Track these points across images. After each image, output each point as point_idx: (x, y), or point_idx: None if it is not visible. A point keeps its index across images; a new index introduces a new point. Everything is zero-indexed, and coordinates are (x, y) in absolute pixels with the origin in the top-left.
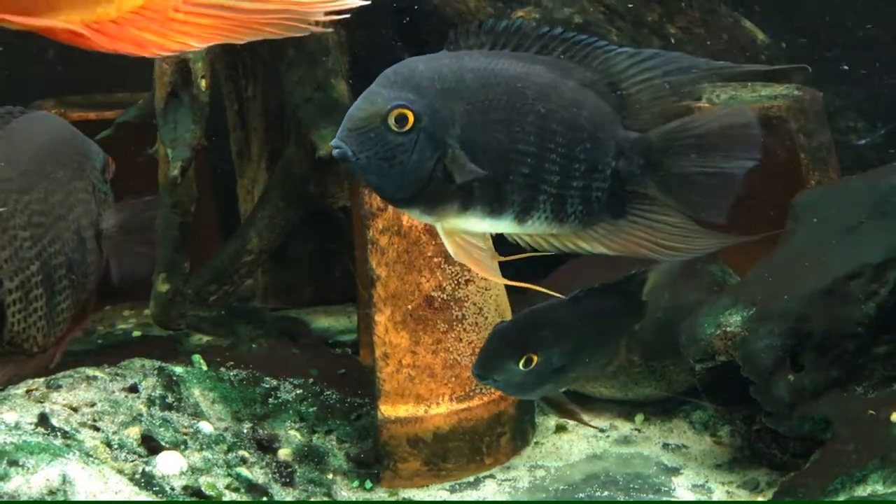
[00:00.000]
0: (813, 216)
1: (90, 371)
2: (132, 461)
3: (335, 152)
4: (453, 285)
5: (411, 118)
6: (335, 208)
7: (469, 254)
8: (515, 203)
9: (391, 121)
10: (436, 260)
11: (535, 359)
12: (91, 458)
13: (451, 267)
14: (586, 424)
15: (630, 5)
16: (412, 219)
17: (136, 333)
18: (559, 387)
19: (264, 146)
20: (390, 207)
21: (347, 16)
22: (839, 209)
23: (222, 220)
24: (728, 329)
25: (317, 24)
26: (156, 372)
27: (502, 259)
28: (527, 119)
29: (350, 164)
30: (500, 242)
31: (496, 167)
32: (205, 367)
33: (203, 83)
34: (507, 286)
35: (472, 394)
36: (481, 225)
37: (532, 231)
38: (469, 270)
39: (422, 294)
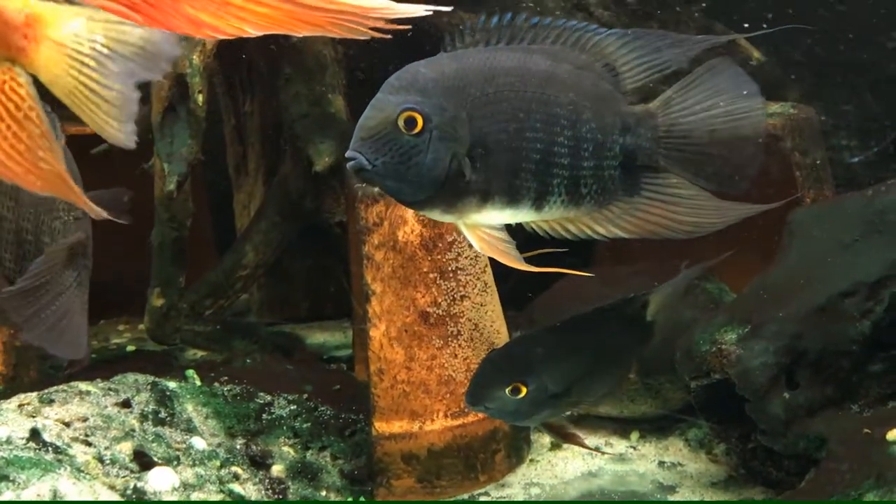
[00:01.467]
0: (808, 233)
1: (83, 386)
2: (124, 477)
3: (350, 164)
4: (449, 301)
5: (420, 120)
6: (331, 223)
7: (495, 247)
8: (531, 190)
9: (401, 124)
10: (431, 276)
11: (524, 388)
12: (82, 474)
13: (446, 283)
14: (588, 448)
15: (626, 21)
16: (407, 234)
17: (131, 348)
18: (558, 412)
19: (261, 161)
20: (386, 223)
21: (409, 27)
22: (834, 227)
23: (218, 235)
24: (723, 346)
25: (377, 30)
26: (149, 387)
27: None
28: (531, 107)
29: (367, 172)
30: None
31: (508, 157)
32: (198, 383)
33: (200, 98)
34: (502, 302)
35: (466, 410)
36: (501, 216)
37: (550, 216)
38: (465, 286)
39: (417, 310)
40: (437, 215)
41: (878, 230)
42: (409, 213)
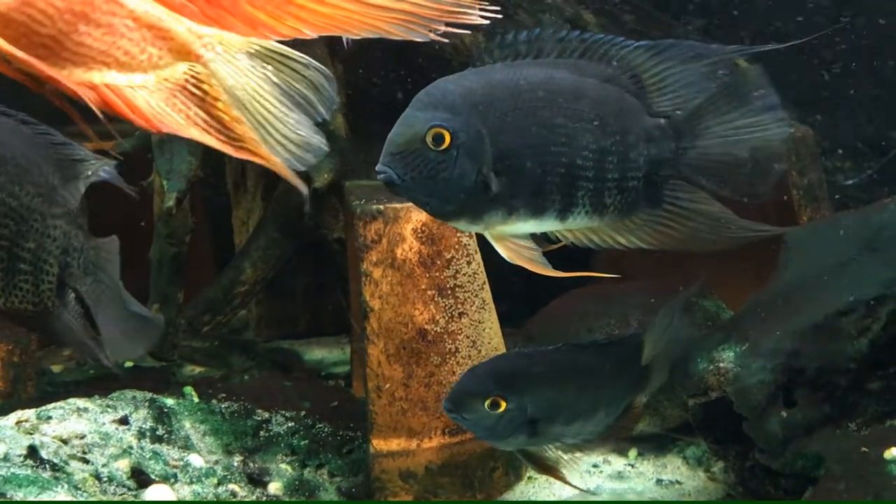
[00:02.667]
0: (805, 252)
1: (81, 402)
2: (121, 494)
3: (381, 177)
4: (447, 318)
5: (448, 136)
6: (330, 240)
7: (521, 255)
8: (556, 202)
9: (429, 141)
10: (429, 293)
11: (503, 403)
12: (80, 491)
13: (444, 300)
14: (567, 483)
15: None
16: (406, 251)
17: (129, 364)
18: (538, 443)
19: (260, 178)
20: (384, 240)
21: (468, 31)
22: (831, 245)
23: (217, 252)
24: (721, 365)
25: (437, 32)
26: (147, 404)
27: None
28: (556, 121)
29: (397, 186)
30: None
31: (533, 172)
32: (196, 399)
33: None
34: (500, 319)
35: (465, 428)
36: (526, 227)
37: (574, 226)
38: (463, 303)
39: (415, 327)
40: (463, 226)
41: (874, 248)
42: (408, 231)
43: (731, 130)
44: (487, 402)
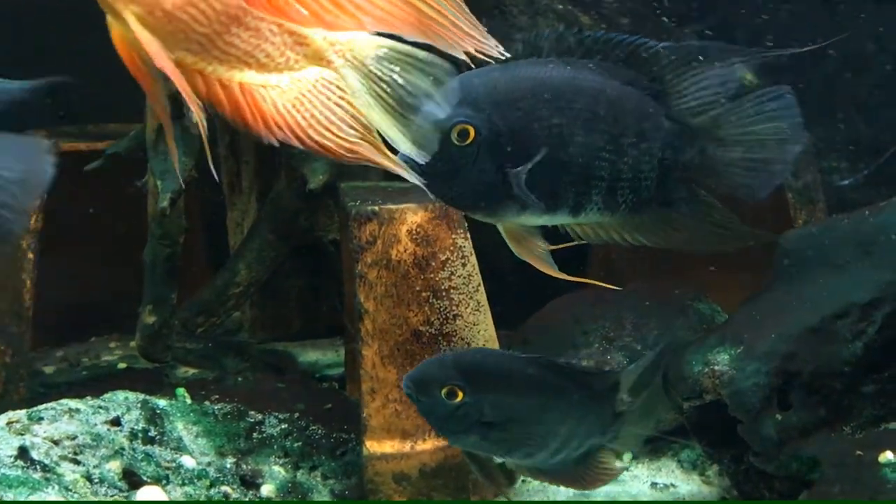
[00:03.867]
0: (800, 255)
1: (73, 403)
2: (112, 496)
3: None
4: (441, 320)
5: (472, 133)
6: (325, 241)
7: (530, 252)
8: (570, 199)
9: (454, 136)
10: (424, 294)
11: (460, 394)
12: (70, 493)
13: (439, 302)
14: (506, 498)
15: None
16: (401, 253)
17: (122, 365)
18: (488, 450)
19: (255, 179)
20: (379, 241)
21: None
22: (826, 248)
23: (211, 253)
24: (716, 367)
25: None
26: (139, 405)
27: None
28: (577, 122)
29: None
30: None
31: (550, 169)
32: (189, 401)
33: (194, 115)
34: (495, 321)
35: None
36: (539, 221)
37: (585, 221)
38: (458, 305)
39: (410, 328)
40: (478, 217)
41: (869, 252)
42: (403, 232)
43: (747, 138)
44: (445, 390)
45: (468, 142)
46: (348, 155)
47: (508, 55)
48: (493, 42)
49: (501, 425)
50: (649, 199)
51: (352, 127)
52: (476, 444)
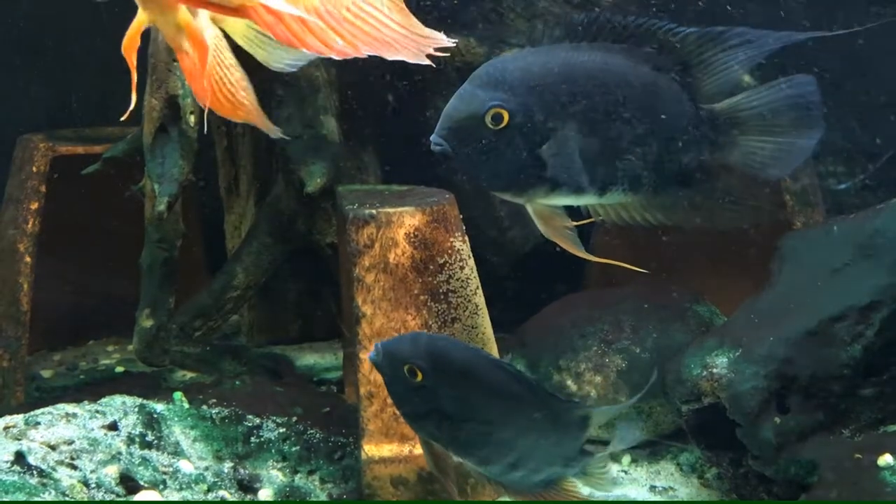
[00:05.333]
0: (798, 258)
1: (70, 408)
2: (110, 501)
3: (435, 148)
4: (439, 323)
5: (506, 117)
6: (322, 245)
7: (557, 232)
8: (597, 181)
9: (488, 120)
10: (422, 298)
11: (420, 375)
12: (67, 498)
13: (437, 305)
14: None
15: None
16: (399, 256)
17: (119, 369)
18: (446, 445)
19: (253, 182)
20: (377, 245)
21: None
22: (824, 251)
23: (209, 256)
24: (714, 370)
25: (427, 56)
26: (136, 409)
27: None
28: (607, 107)
29: (450, 159)
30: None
31: (581, 153)
32: (186, 405)
33: (192, 118)
34: (493, 324)
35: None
36: (566, 201)
37: (609, 202)
38: (455, 309)
39: (407, 332)
40: (507, 197)
41: (867, 255)
42: (401, 236)
43: (768, 123)
44: (407, 367)
45: (502, 125)
46: (239, 118)
47: (455, 41)
48: (440, 36)
49: (458, 421)
50: (672, 181)
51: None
52: (432, 433)
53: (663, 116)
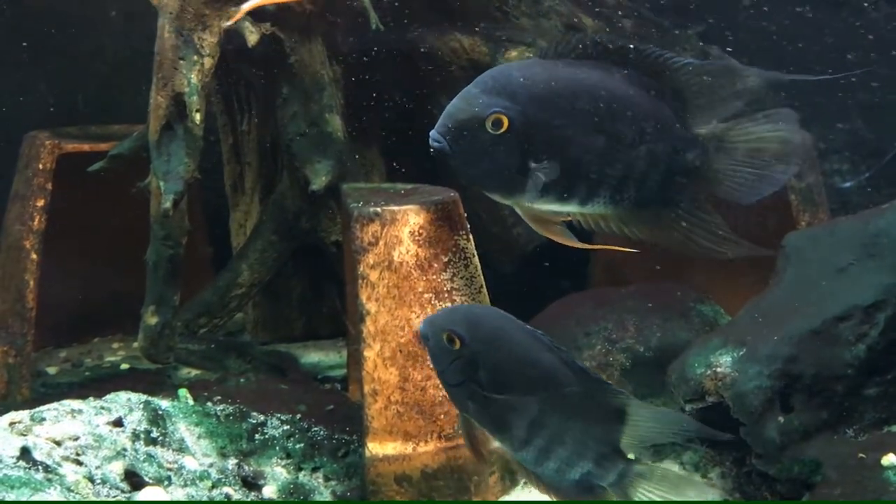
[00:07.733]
0: (803, 257)
1: (75, 404)
2: (114, 497)
3: (434, 144)
4: None
5: (506, 123)
6: (327, 243)
7: (547, 227)
8: (582, 191)
9: (488, 124)
10: (426, 295)
11: (458, 342)
12: (72, 493)
13: (441, 303)
14: (481, 462)
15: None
16: (403, 254)
17: (125, 366)
18: (483, 423)
19: (258, 180)
20: (381, 243)
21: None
22: (829, 250)
23: (215, 254)
24: (718, 369)
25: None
26: (141, 406)
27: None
28: (601, 125)
29: (447, 156)
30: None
31: (571, 165)
32: (191, 402)
33: (198, 116)
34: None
35: (460, 431)
36: (551, 207)
37: (591, 212)
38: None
39: (412, 330)
40: (496, 198)
41: (872, 254)
42: (405, 234)
43: (750, 150)
44: (446, 335)
45: (501, 131)
46: None
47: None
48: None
49: (494, 387)
50: (653, 198)
51: None
52: (473, 410)
53: (650, 137)
